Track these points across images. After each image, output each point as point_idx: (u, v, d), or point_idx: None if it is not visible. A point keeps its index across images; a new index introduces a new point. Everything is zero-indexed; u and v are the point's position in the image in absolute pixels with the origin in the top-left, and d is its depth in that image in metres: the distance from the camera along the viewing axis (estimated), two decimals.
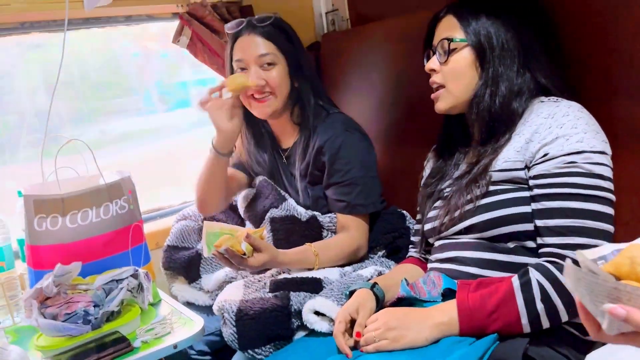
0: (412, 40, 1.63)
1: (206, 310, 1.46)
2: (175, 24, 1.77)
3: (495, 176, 1.07)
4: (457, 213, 1.10)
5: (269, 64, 1.42)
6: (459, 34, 1.12)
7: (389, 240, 1.47)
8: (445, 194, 1.18)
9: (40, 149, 1.31)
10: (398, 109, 1.70)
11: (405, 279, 1.12)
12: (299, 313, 1.22)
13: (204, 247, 1.26)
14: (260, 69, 1.41)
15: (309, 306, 1.20)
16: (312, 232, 1.43)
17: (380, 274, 1.32)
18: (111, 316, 1.17)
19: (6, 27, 1.55)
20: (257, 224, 1.51)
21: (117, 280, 1.20)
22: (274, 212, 1.46)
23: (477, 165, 1.11)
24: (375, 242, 1.46)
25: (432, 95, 1.19)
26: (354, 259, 1.42)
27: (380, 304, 1.13)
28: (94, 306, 1.15)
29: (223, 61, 1.78)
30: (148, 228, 1.56)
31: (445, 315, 1.00)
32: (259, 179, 1.56)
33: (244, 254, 1.21)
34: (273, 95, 1.43)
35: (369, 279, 1.27)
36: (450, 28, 1.14)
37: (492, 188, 1.06)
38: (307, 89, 1.47)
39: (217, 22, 1.76)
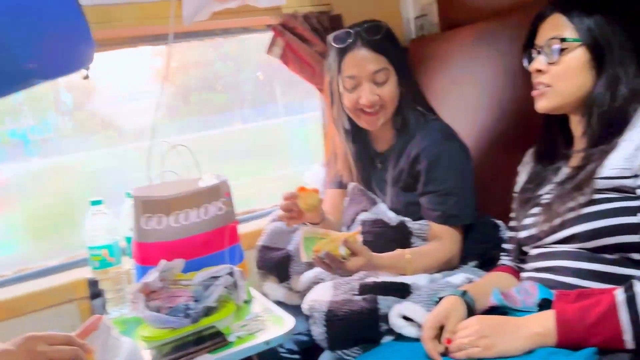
0: (505, 44, 1.61)
1: (295, 309, 1.50)
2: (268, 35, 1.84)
3: (601, 184, 1.02)
4: (557, 221, 1.06)
5: (383, 81, 1.41)
6: (570, 33, 1.08)
7: (482, 250, 1.43)
8: (545, 200, 1.14)
9: (147, 153, 1.42)
10: (490, 114, 1.67)
11: (498, 288, 1.10)
12: (386, 317, 1.22)
13: (301, 251, 1.29)
14: (373, 85, 1.41)
15: (397, 310, 1.20)
16: (400, 237, 1.42)
17: (470, 281, 1.29)
18: (208, 311, 1.24)
19: (117, 42, 1.69)
20: (349, 228, 1.54)
21: (214, 277, 1.27)
22: (364, 215, 1.47)
23: (581, 170, 1.06)
24: (467, 252, 1.43)
25: (534, 93, 1.14)
26: (446, 269, 1.39)
27: (470, 312, 1.11)
28: (194, 301, 1.22)
29: (314, 70, 1.83)
30: (241, 229, 1.63)
31: (540, 325, 0.96)
32: (350, 186, 1.58)
33: (343, 258, 1.24)
34: (384, 109, 1.43)
35: (459, 287, 1.25)
36: (559, 27, 1.10)
37: (596, 196, 1.02)
38: (410, 95, 1.47)
39: (308, 32, 1.80)
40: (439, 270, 1.39)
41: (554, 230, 1.07)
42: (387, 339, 1.23)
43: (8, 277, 1.62)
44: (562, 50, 1.08)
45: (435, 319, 1.08)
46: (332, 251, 1.23)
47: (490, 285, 1.15)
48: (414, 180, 1.45)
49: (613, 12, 1.06)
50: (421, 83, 1.61)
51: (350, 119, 1.51)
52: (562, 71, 1.09)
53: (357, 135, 1.55)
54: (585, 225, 1.01)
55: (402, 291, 1.27)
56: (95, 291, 1.37)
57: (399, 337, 1.22)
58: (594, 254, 1.02)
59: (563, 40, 1.08)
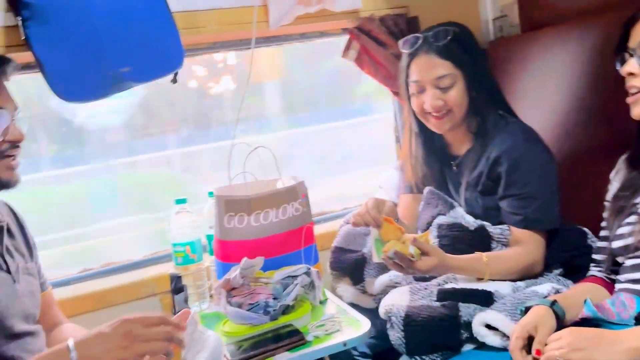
0: (593, 45, 1.55)
1: (367, 312, 1.49)
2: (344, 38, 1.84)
3: None
4: None
5: (447, 86, 1.39)
6: None
7: (568, 258, 1.37)
8: None
9: (229, 154, 1.46)
10: (576, 118, 1.60)
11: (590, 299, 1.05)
12: (467, 325, 1.20)
13: (372, 252, 1.30)
14: (437, 90, 1.40)
15: (480, 319, 1.17)
16: (479, 241, 1.38)
17: (557, 292, 1.24)
18: (286, 309, 1.25)
19: (201, 47, 1.75)
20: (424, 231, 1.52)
21: (292, 277, 1.29)
22: (441, 219, 1.45)
23: None
24: (552, 259, 1.37)
25: (629, 100, 1.10)
26: (527, 275, 1.34)
27: (560, 324, 1.07)
28: (274, 299, 1.24)
29: (388, 72, 1.82)
30: (315, 230, 1.64)
31: None
32: (426, 190, 1.56)
33: (412, 257, 1.23)
34: (451, 113, 1.41)
35: (546, 296, 1.21)
36: None
37: None
38: (485, 98, 1.44)
39: (384, 34, 1.79)
40: (521, 277, 1.34)
41: None
42: (467, 347, 1.21)
43: (96, 270, 1.70)
44: None
45: (523, 329, 1.05)
46: (401, 250, 1.22)
47: (580, 296, 1.10)
48: (494, 183, 1.41)
49: None
50: (501, 85, 1.57)
51: (420, 122, 1.50)
52: None
53: (430, 138, 1.53)
54: None
55: (484, 299, 1.24)
56: (178, 286, 1.42)
57: (481, 346, 1.19)
58: None
59: None
